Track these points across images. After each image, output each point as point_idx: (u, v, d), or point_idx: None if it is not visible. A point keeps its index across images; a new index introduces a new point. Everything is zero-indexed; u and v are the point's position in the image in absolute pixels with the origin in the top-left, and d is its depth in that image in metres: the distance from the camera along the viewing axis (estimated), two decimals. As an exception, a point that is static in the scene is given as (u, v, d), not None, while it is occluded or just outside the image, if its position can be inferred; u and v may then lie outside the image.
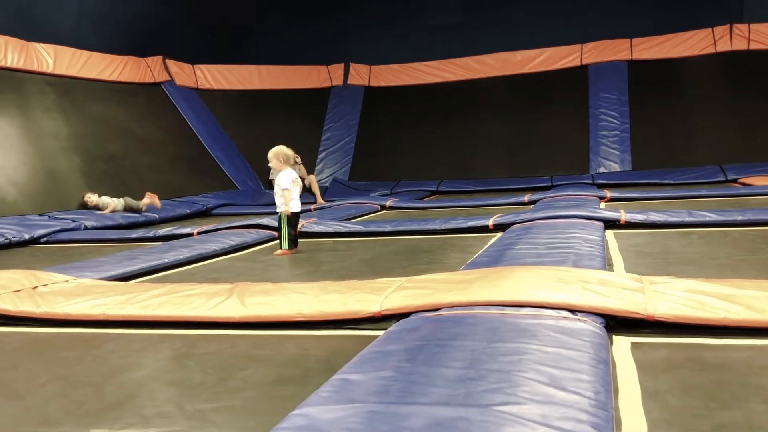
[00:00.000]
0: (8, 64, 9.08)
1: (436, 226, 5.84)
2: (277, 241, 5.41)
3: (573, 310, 2.44)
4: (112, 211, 8.19)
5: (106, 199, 8.35)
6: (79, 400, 2.08)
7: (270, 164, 5.25)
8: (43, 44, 9.74)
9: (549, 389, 1.68)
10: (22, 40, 9.43)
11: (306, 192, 10.94)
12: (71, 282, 3.74)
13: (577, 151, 11.68)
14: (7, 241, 6.31)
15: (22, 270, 3.97)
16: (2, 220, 7.09)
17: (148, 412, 1.94)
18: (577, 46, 12.60)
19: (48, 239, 6.72)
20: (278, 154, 5.20)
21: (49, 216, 7.59)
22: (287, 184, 5.15)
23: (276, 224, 6.16)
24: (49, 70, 9.69)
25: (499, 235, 5.24)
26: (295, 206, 5.21)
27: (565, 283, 2.70)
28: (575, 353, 1.98)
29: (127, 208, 8.37)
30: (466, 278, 3.03)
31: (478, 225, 5.74)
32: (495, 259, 3.84)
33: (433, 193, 11.11)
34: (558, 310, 2.44)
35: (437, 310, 2.62)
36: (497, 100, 12.66)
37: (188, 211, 9.14)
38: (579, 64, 12.56)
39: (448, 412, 1.55)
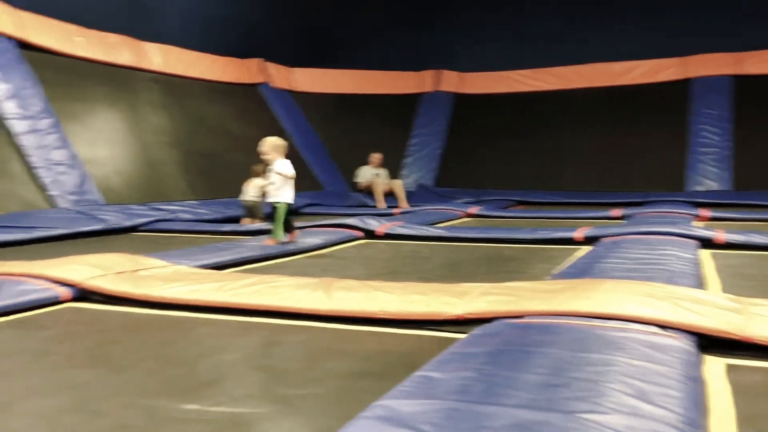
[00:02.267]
0: (122, 62, 9.63)
1: (522, 236, 5.77)
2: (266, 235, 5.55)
3: (663, 326, 2.37)
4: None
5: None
6: (174, 377, 2.19)
7: (266, 155, 5.33)
8: (153, 43, 10.28)
9: (636, 402, 1.64)
10: (135, 39, 9.98)
11: (390, 196, 11.06)
12: (168, 268, 3.93)
13: (673, 167, 11.25)
14: (112, 227, 6.69)
15: (125, 254, 4.21)
16: (107, 208, 7.51)
17: (236, 393, 2.03)
18: (680, 59, 12.15)
19: (147, 228, 7.07)
20: (275, 145, 5.33)
21: (149, 206, 7.98)
22: (291, 171, 5.31)
23: (359, 224, 6.27)
24: (158, 69, 10.21)
25: (586, 248, 5.13)
26: (290, 197, 5.35)
27: (655, 299, 2.62)
28: (664, 368, 1.93)
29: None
30: (552, 288, 2.99)
31: (566, 237, 5.63)
32: (582, 271, 3.77)
33: (518, 203, 10.97)
34: (647, 325, 2.38)
35: (521, 317, 2.60)
36: (591, 111, 12.36)
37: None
38: (680, 77, 12.10)
39: (530, 416, 1.55)
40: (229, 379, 2.17)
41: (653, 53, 12.25)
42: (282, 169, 5.27)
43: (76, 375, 2.22)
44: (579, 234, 5.59)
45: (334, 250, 5.51)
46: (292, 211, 5.41)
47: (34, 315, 3.13)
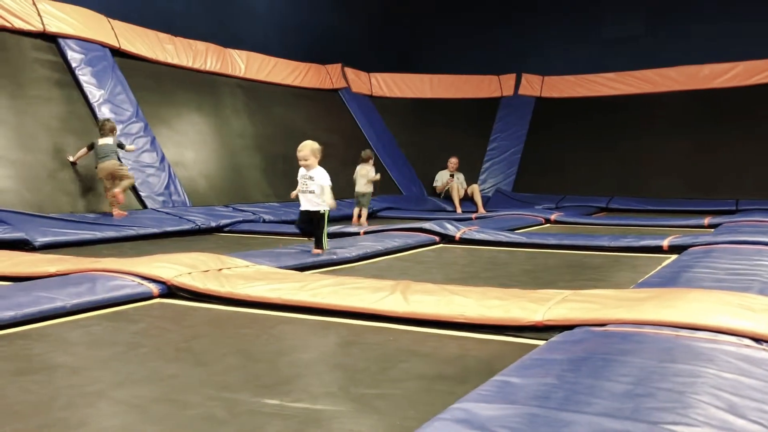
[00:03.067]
0: (207, 68, 9.98)
1: (605, 243, 5.62)
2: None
3: (758, 339, 2.26)
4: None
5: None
6: (256, 373, 2.25)
7: (306, 161, 4.99)
8: (237, 50, 10.60)
9: (726, 415, 1.57)
10: (220, 47, 10.32)
11: (467, 201, 10.98)
12: (251, 267, 4.04)
13: (767, 174, 10.69)
14: (197, 227, 6.93)
15: (210, 254, 4.35)
16: (193, 209, 7.80)
17: (315, 390, 2.06)
18: (775, 61, 11.55)
19: (231, 228, 7.29)
20: (315, 149, 5.02)
21: (233, 207, 8.23)
22: (328, 181, 5.04)
23: (436, 229, 6.25)
24: (241, 74, 10.53)
25: (674, 256, 4.94)
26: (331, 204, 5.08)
27: (748, 310, 2.50)
28: (758, 383, 1.84)
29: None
30: (637, 296, 2.90)
31: (652, 245, 5.44)
32: (669, 281, 3.63)
33: (601, 209, 10.68)
34: (739, 337, 2.27)
35: (604, 325, 2.53)
36: (678, 115, 11.91)
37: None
38: (776, 80, 11.49)
39: (613, 424, 1.51)
40: (308, 376, 2.21)
41: (745, 55, 11.68)
42: (320, 179, 5.00)
43: (164, 367, 2.32)
44: (666, 242, 5.40)
45: (412, 254, 5.52)
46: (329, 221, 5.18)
47: (126, 309, 3.28)
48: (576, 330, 2.52)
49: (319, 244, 5.01)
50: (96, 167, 7.26)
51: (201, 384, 2.12)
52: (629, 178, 11.50)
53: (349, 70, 12.69)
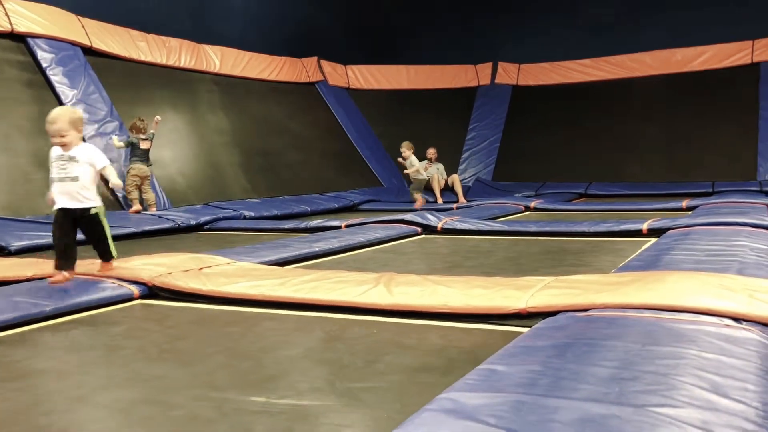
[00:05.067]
0: (182, 65, 9.88)
1: (585, 228, 5.65)
2: None
3: (737, 319, 2.29)
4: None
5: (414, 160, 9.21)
6: (241, 371, 2.24)
7: (63, 137, 3.53)
8: (211, 46, 10.50)
9: (710, 395, 1.59)
10: (194, 43, 10.22)
11: (448, 191, 11.00)
12: (232, 265, 4.01)
13: (742, 155, 10.82)
14: (177, 225, 6.87)
15: (190, 253, 4.32)
16: (173, 209, 7.74)
17: (301, 386, 2.05)
18: (748, 43, 11.67)
19: (210, 226, 7.24)
20: (74, 120, 3.59)
21: (212, 205, 8.17)
22: (105, 158, 3.71)
23: (418, 220, 6.26)
24: (216, 70, 10.43)
25: (653, 240, 4.99)
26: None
27: (728, 290, 2.53)
28: (739, 362, 1.86)
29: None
30: (619, 280, 2.92)
31: (631, 229, 5.49)
32: (649, 264, 3.67)
33: (581, 195, 10.76)
34: (720, 318, 2.30)
35: (587, 310, 2.55)
36: (654, 100, 12.01)
37: (336, 205, 9.49)
38: (749, 62, 11.62)
39: (599, 409, 1.51)
40: (293, 372, 2.20)
41: (718, 38, 11.80)
42: (96, 158, 3.63)
43: (148, 368, 2.29)
44: (645, 226, 5.44)
45: (394, 246, 5.52)
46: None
47: (107, 312, 3.24)
48: (559, 316, 2.53)
49: (106, 255, 3.70)
50: (129, 168, 7.52)
51: (186, 384, 2.10)
52: (608, 163, 11.59)
53: (325, 63, 12.63)
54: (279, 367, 2.26)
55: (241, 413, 1.84)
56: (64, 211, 3.58)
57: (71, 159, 3.56)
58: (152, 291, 3.53)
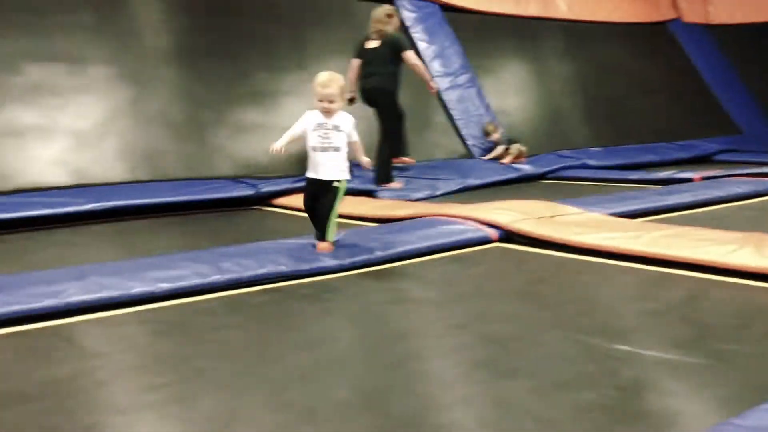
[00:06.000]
0: (529, 13, 10.02)
1: None
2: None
3: None
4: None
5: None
6: (602, 319, 2.36)
7: (331, 103, 3.26)
8: (558, -9, 10.43)
9: None
10: (541, -11, 10.26)
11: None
12: (583, 215, 4.09)
13: None
14: (522, 174, 7.14)
15: (541, 201, 4.50)
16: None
17: (665, 340, 2.08)
18: None
19: (554, 175, 7.36)
20: (342, 87, 3.34)
21: (555, 154, 8.26)
22: (353, 131, 3.38)
23: None
24: (563, 16, 10.35)
25: None
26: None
27: None
28: None
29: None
30: None
31: None
32: None
33: None
34: None
35: None
36: None
37: (687, 155, 8.82)
38: None
39: None
40: (655, 326, 2.24)
41: None
42: (351, 129, 3.36)
43: (513, 307, 2.54)
44: None
45: (762, 202, 5.00)
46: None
47: (469, 252, 3.59)
48: None
49: (323, 235, 3.34)
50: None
51: (550, 325, 2.29)
52: None
53: (680, -1, 11.61)
54: (639, 320, 2.32)
55: (606, 358, 1.95)
56: (313, 181, 3.34)
57: (335, 128, 3.29)
58: (508, 235, 3.79)
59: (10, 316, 2.46)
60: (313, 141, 3.29)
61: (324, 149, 3.29)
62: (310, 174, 3.36)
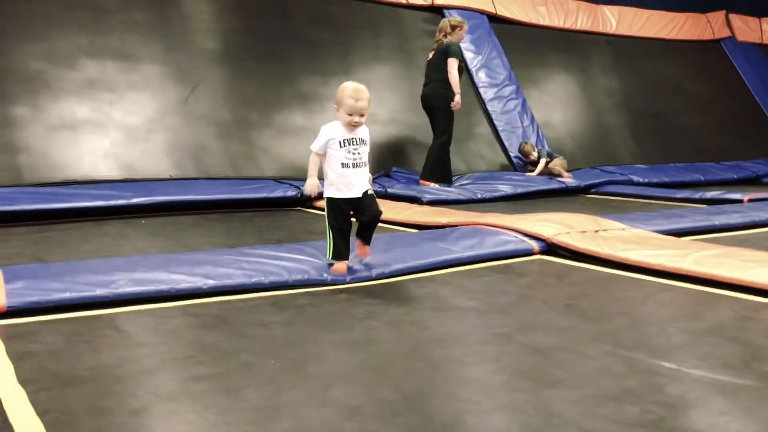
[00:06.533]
0: (578, 27, 9.95)
1: None
2: None
3: None
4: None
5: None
6: (647, 335, 2.32)
7: (363, 116, 3.06)
8: (609, 6, 10.34)
9: None
10: (592, 4, 10.18)
11: None
12: (627, 230, 4.04)
13: None
14: (565, 187, 7.08)
15: (585, 214, 4.46)
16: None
17: (712, 360, 2.05)
18: None
19: (597, 190, 7.28)
20: (369, 97, 3.09)
21: (599, 168, 8.18)
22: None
23: None
24: (612, 31, 10.25)
25: None
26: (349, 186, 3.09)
27: None
28: None
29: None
30: None
31: None
32: None
33: None
34: None
35: None
36: None
37: (735, 176, 8.66)
38: None
39: None
40: (702, 345, 2.20)
41: None
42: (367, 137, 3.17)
43: (557, 319, 2.52)
44: None
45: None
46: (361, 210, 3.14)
47: (511, 263, 3.58)
48: None
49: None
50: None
51: (594, 339, 2.27)
52: None
53: (734, 17, 11.40)
54: (685, 338, 2.28)
55: (650, 374, 1.93)
56: (347, 200, 3.08)
57: (362, 142, 3.11)
58: (551, 248, 3.77)
59: (63, 303, 2.54)
60: (342, 158, 3.05)
61: (356, 165, 3.07)
62: (341, 194, 3.06)
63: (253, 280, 2.89)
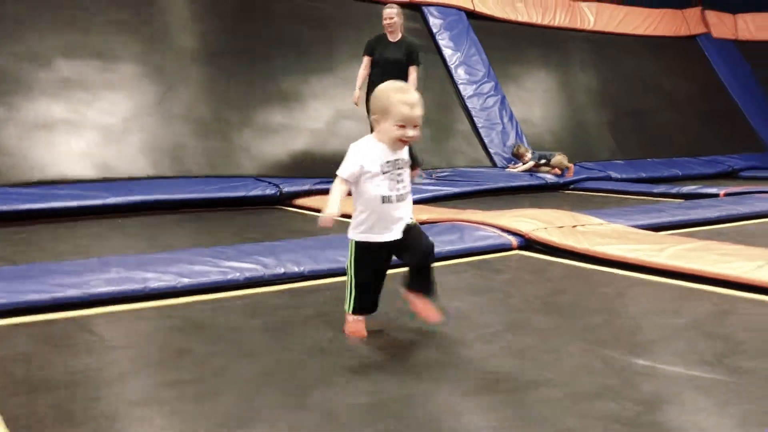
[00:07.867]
0: (556, 23, 9.99)
1: None
2: None
3: None
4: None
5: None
6: (624, 331, 2.33)
7: (416, 131, 2.17)
8: (587, 2, 10.39)
9: None
10: (569, 0, 10.21)
11: None
12: (605, 226, 4.06)
13: None
14: (545, 183, 7.10)
15: (563, 210, 4.47)
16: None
17: (689, 356, 2.05)
18: None
19: (576, 186, 7.32)
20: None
21: (577, 164, 8.22)
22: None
23: None
24: (590, 27, 10.31)
25: None
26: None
27: None
28: None
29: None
30: None
31: None
32: None
33: None
34: None
35: None
36: None
37: (712, 171, 8.77)
38: None
39: None
40: (679, 340, 2.21)
41: None
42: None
43: (535, 318, 2.51)
44: None
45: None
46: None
47: (489, 258, 3.57)
48: None
49: (430, 288, 2.34)
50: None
51: (572, 337, 2.27)
52: None
53: (710, 13, 11.51)
54: (662, 333, 2.29)
55: (626, 371, 1.93)
56: (381, 245, 2.24)
57: (405, 163, 2.26)
58: (529, 243, 3.77)
59: (34, 304, 2.49)
60: (383, 189, 2.17)
61: (400, 198, 2.21)
62: (377, 237, 2.21)
63: (228, 277, 2.86)
